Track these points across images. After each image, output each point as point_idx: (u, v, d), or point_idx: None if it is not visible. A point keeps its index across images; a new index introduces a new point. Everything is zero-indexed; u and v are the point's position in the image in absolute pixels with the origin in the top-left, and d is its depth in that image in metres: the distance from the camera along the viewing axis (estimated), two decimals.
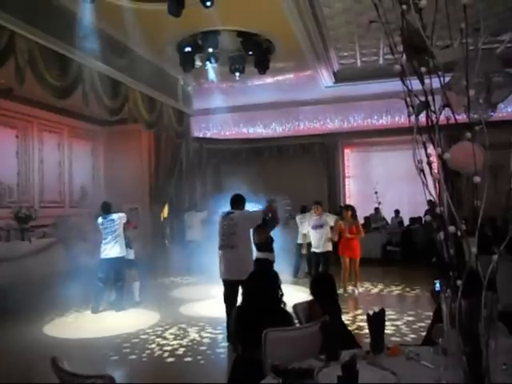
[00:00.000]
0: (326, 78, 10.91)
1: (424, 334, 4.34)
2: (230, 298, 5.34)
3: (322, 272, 7.32)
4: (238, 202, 5.68)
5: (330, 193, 15.13)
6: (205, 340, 5.79)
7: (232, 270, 5.30)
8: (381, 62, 10.41)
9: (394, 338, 5.44)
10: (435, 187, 1.52)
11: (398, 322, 6.29)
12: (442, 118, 1.45)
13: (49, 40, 6.45)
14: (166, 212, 12.30)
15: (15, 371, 4.90)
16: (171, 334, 6.10)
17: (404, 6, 1.32)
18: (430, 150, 1.53)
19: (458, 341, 1.36)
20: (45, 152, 10.79)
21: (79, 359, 4.87)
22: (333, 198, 14.99)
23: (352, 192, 15.65)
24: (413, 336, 5.65)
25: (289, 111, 13.77)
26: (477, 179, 1.29)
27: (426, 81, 1.41)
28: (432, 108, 1.40)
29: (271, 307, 3.09)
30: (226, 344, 5.46)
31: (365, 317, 6.05)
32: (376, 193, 13.30)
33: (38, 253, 8.18)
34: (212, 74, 9.83)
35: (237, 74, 9.30)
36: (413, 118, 1.42)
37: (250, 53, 8.67)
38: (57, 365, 2.25)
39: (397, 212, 13.69)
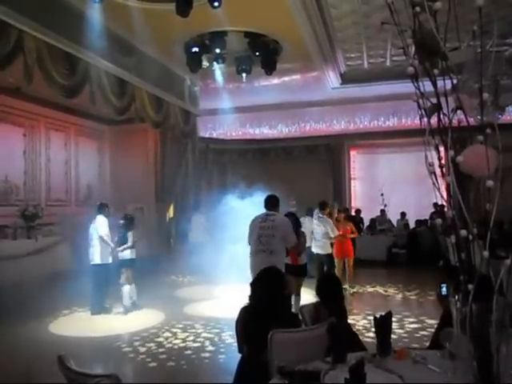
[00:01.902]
0: (332, 79, 10.89)
1: (429, 338, 4.32)
2: None
3: (328, 274, 7.27)
4: (274, 203, 5.34)
5: (335, 194, 15.10)
6: (211, 339, 5.80)
7: None
8: (388, 63, 10.38)
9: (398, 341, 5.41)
10: (446, 190, 1.51)
11: (402, 329, 6.27)
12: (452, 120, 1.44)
13: (57, 39, 6.48)
14: (171, 212, 12.31)
15: (21, 369, 4.92)
16: (175, 333, 6.10)
17: (417, 8, 1.32)
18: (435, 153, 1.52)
19: (468, 345, 1.35)
20: (52, 151, 10.83)
21: (84, 357, 4.90)
22: (338, 200, 14.96)
23: (358, 194, 15.61)
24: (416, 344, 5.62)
25: (295, 112, 13.76)
26: (490, 183, 1.28)
27: (439, 83, 1.40)
28: (444, 110, 1.39)
29: (277, 309, 3.08)
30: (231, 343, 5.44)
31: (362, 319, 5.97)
32: (382, 195, 13.24)
33: (44, 251, 8.22)
34: (219, 75, 9.84)
35: (243, 74, 9.31)
36: (424, 120, 1.41)
37: (257, 53, 8.66)
38: (63, 363, 2.25)
39: (403, 214, 13.64)
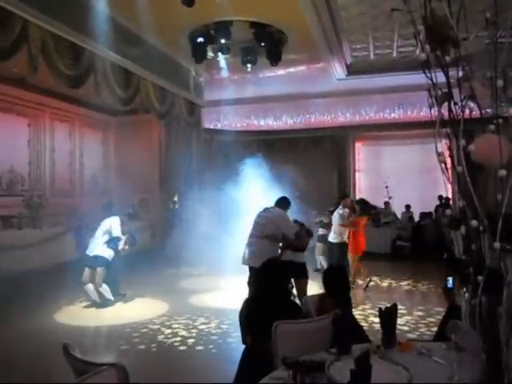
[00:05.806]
0: (338, 70, 10.81)
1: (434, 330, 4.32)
2: None
3: (335, 264, 7.22)
4: (280, 202, 5.89)
5: (340, 186, 15.04)
6: (214, 330, 5.82)
7: None
8: (394, 54, 10.29)
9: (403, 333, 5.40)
10: (454, 181, 1.49)
11: (408, 317, 6.27)
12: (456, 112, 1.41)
13: (62, 29, 6.46)
14: (175, 202, 12.31)
15: (26, 357, 4.95)
16: (180, 324, 6.12)
17: None
18: (443, 143, 1.49)
19: (477, 338, 1.34)
20: (56, 141, 10.83)
21: (88, 346, 4.93)
22: (343, 192, 14.91)
23: (362, 186, 15.55)
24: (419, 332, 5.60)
25: (300, 104, 13.69)
26: (502, 172, 1.26)
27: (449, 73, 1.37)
28: (454, 99, 1.37)
29: (281, 299, 3.08)
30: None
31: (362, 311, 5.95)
32: (387, 187, 13.19)
33: (50, 241, 8.24)
34: (224, 66, 9.79)
35: (249, 65, 9.24)
36: (434, 110, 1.38)
37: (263, 44, 8.58)
38: (68, 352, 2.26)
39: (407, 207, 13.58)
